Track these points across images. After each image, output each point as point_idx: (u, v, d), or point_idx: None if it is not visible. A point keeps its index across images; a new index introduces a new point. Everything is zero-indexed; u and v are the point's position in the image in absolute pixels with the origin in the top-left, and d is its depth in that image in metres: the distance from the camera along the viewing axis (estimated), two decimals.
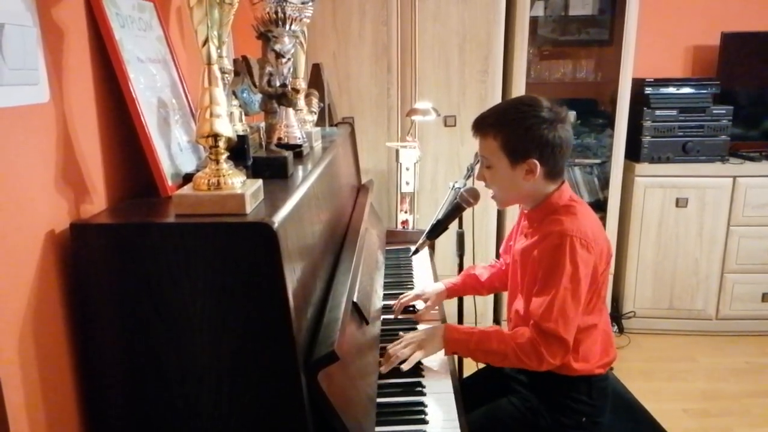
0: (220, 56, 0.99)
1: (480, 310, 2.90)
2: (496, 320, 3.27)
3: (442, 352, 1.44)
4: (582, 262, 1.36)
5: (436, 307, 1.77)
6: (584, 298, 1.38)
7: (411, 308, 1.78)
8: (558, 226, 1.40)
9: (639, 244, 3.26)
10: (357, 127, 2.68)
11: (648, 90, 3.16)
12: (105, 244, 0.93)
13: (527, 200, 1.52)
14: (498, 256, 1.88)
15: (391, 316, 1.73)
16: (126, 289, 0.94)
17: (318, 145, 1.72)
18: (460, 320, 2.18)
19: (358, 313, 1.33)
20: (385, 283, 1.93)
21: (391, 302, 1.80)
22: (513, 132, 1.41)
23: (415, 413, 1.26)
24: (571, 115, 3.39)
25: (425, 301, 1.76)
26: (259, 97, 1.44)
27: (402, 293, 1.89)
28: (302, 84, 1.64)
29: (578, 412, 1.47)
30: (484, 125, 1.46)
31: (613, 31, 3.18)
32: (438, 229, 1.81)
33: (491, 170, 1.48)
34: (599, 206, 3.24)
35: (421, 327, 1.67)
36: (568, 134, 1.43)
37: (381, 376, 1.37)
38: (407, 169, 2.74)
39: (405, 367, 1.37)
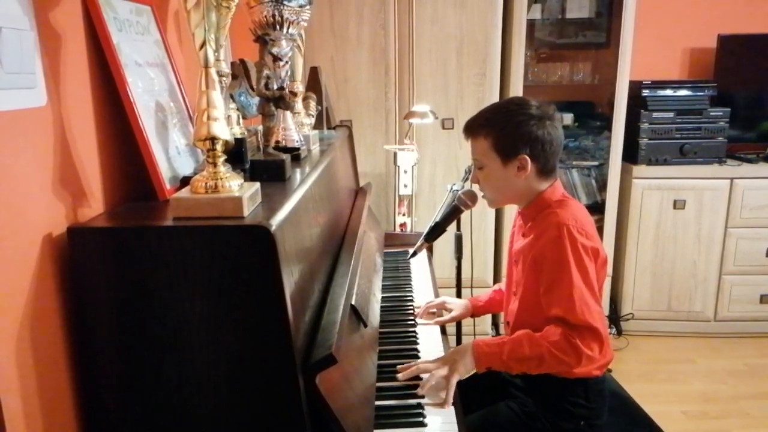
0: (217, 59, 1.00)
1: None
2: (494, 323, 3.27)
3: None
4: (583, 249, 1.36)
5: (431, 321, 1.74)
6: (595, 281, 1.37)
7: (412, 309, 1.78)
8: (553, 218, 1.40)
9: (637, 246, 3.26)
10: (355, 130, 2.68)
11: (645, 92, 3.17)
12: (102, 248, 0.93)
13: (520, 199, 1.52)
14: (497, 267, 1.88)
15: (389, 319, 1.73)
16: (123, 293, 0.93)
17: (316, 148, 1.72)
18: (458, 323, 2.18)
19: (356, 316, 1.33)
20: (383, 285, 1.93)
21: (390, 304, 1.80)
22: (503, 130, 1.43)
23: (414, 416, 1.26)
24: (568, 117, 3.41)
25: (449, 311, 1.76)
26: (256, 100, 1.44)
27: (400, 296, 1.89)
28: (300, 87, 1.64)
29: (576, 415, 1.47)
30: (474, 127, 1.48)
31: (610, 33, 3.19)
32: (436, 231, 1.81)
33: (484, 171, 1.50)
34: (597, 208, 3.24)
35: (420, 335, 1.64)
36: (557, 132, 1.45)
37: (379, 379, 1.37)
38: (405, 171, 2.74)
39: (447, 405, 1.29)
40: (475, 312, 1.79)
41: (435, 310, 1.78)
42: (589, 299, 1.34)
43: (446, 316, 1.74)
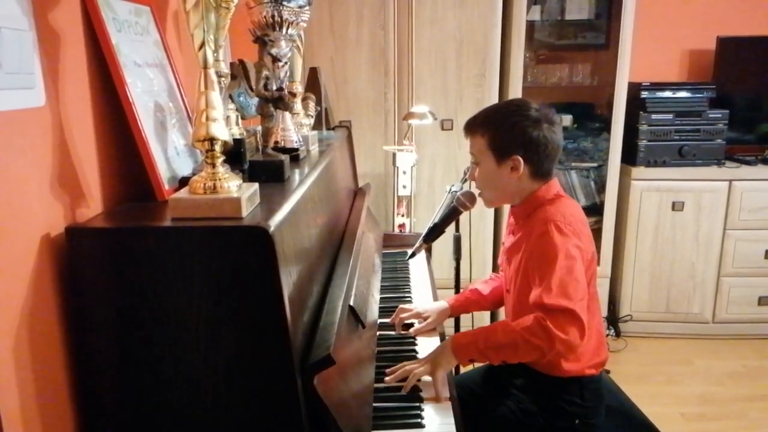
0: (216, 60, 1.00)
1: (476, 312, 2.90)
2: (493, 321, 3.27)
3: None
4: (570, 244, 1.36)
5: (410, 332, 1.69)
6: (582, 277, 1.36)
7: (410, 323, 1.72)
8: (542, 215, 1.42)
9: (635, 248, 3.26)
10: (354, 130, 2.68)
11: (644, 94, 3.17)
12: (101, 248, 0.93)
13: (513, 198, 1.54)
14: (495, 268, 1.86)
15: (387, 320, 1.72)
16: (121, 294, 0.93)
17: (315, 148, 1.72)
18: (457, 322, 2.19)
19: (354, 317, 1.33)
20: (381, 286, 1.93)
21: (388, 305, 1.79)
22: (498, 129, 1.45)
23: (412, 417, 1.26)
24: (567, 118, 3.40)
25: (425, 319, 1.69)
26: (255, 100, 1.44)
27: (399, 297, 1.88)
28: (299, 88, 1.64)
29: (571, 414, 1.47)
30: (473, 125, 1.51)
31: (610, 35, 3.19)
32: (435, 232, 1.81)
33: (479, 168, 1.52)
34: (596, 210, 3.25)
35: (420, 339, 1.63)
36: (554, 135, 1.45)
37: (377, 380, 1.37)
38: (404, 172, 2.74)
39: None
40: (452, 313, 1.76)
41: (409, 321, 1.70)
42: (570, 287, 1.31)
43: (422, 325, 1.68)
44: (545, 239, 1.37)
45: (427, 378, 1.37)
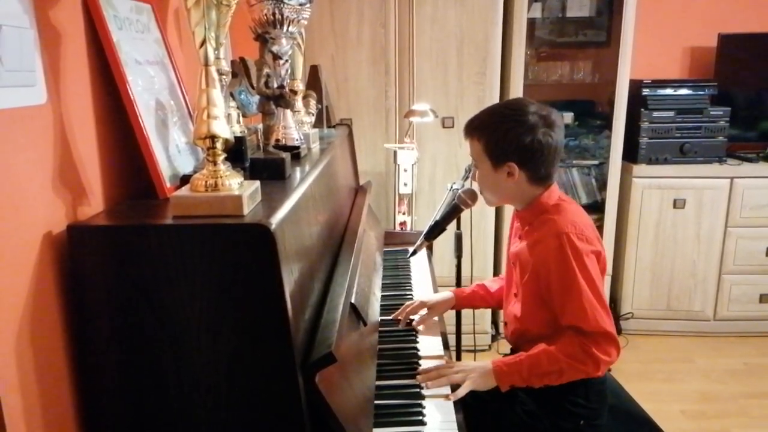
0: (217, 58, 1.00)
1: (477, 312, 2.90)
2: (494, 322, 3.27)
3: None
4: (586, 255, 1.37)
5: (436, 318, 1.73)
6: (602, 283, 1.38)
7: (411, 319, 1.72)
8: (552, 226, 1.41)
9: (637, 246, 3.26)
10: (355, 128, 2.68)
11: (645, 91, 3.16)
12: (102, 246, 0.93)
13: (514, 201, 1.54)
14: (497, 266, 1.85)
15: (390, 318, 1.72)
16: (123, 291, 0.93)
17: (316, 146, 1.72)
18: (458, 321, 2.19)
19: (355, 314, 1.33)
20: (383, 284, 1.93)
21: (389, 303, 1.80)
22: (492, 136, 1.45)
23: (413, 414, 1.26)
24: (568, 116, 3.38)
25: (429, 308, 1.72)
26: (256, 98, 1.44)
27: (400, 295, 1.88)
28: (300, 85, 1.64)
29: (576, 415, 1.47)
30: (470, 128, 1.50)
31: (611, 32, 3.19)
32: (436, 230, 1.81)
33: (478, 171, 1.52)
34: (597, 208, 3.24)
35: (421, 338, 1.63)
36: (551, 139, 1.42)
37: (378, 378, 1.37)
38: (405, 170, 2.74)
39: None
40: (457, 304, 1.77)
41: (415, 316, 1.72)
42: (598, 306, 1.35)
43: (424, 314, 1.70)
44: (562, 253, 1.36)
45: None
